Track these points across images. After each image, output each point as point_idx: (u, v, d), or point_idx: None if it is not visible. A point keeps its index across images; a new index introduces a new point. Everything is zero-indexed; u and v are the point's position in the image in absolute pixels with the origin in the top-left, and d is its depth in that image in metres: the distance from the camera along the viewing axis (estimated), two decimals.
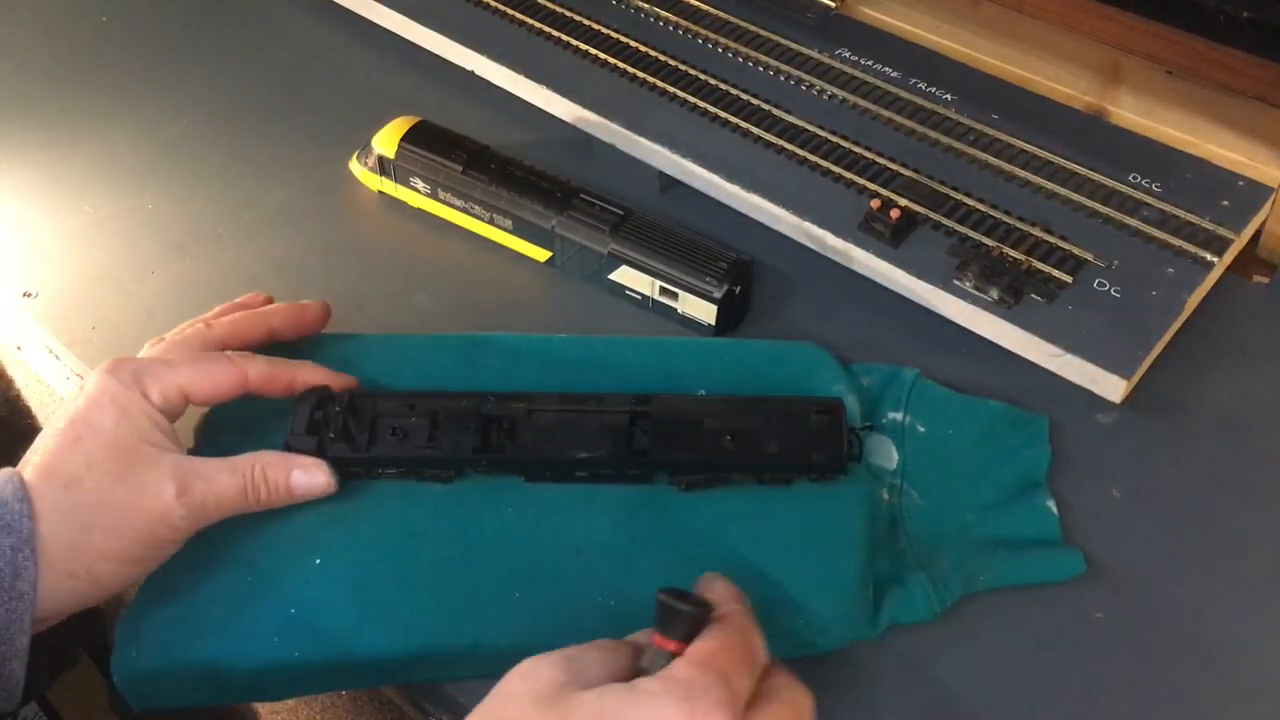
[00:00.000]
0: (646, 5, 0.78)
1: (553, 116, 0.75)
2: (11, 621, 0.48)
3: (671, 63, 0.74)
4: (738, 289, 0.64)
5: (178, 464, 0.52)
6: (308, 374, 0.57)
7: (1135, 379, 0.60)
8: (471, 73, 0.78)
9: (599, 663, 0.44)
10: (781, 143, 0.69)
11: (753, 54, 0.74)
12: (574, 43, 0.76)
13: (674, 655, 0.43)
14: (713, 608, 0.45)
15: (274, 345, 0.60)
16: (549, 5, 0.78)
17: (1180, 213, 0.64)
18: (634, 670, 0.44)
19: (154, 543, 0.52)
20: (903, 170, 0.67)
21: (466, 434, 0.55)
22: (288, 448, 0.55)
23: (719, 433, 0.55)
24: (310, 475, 0.54)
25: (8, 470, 0.51)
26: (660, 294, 0.65)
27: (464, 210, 0.70)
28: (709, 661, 0.43)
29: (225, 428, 0.59)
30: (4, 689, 0.48)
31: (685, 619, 0.44)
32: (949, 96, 0.71)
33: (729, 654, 0.43)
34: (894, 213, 0.63)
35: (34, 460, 0.51)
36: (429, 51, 0.80)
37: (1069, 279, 0.61)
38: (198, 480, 0.52)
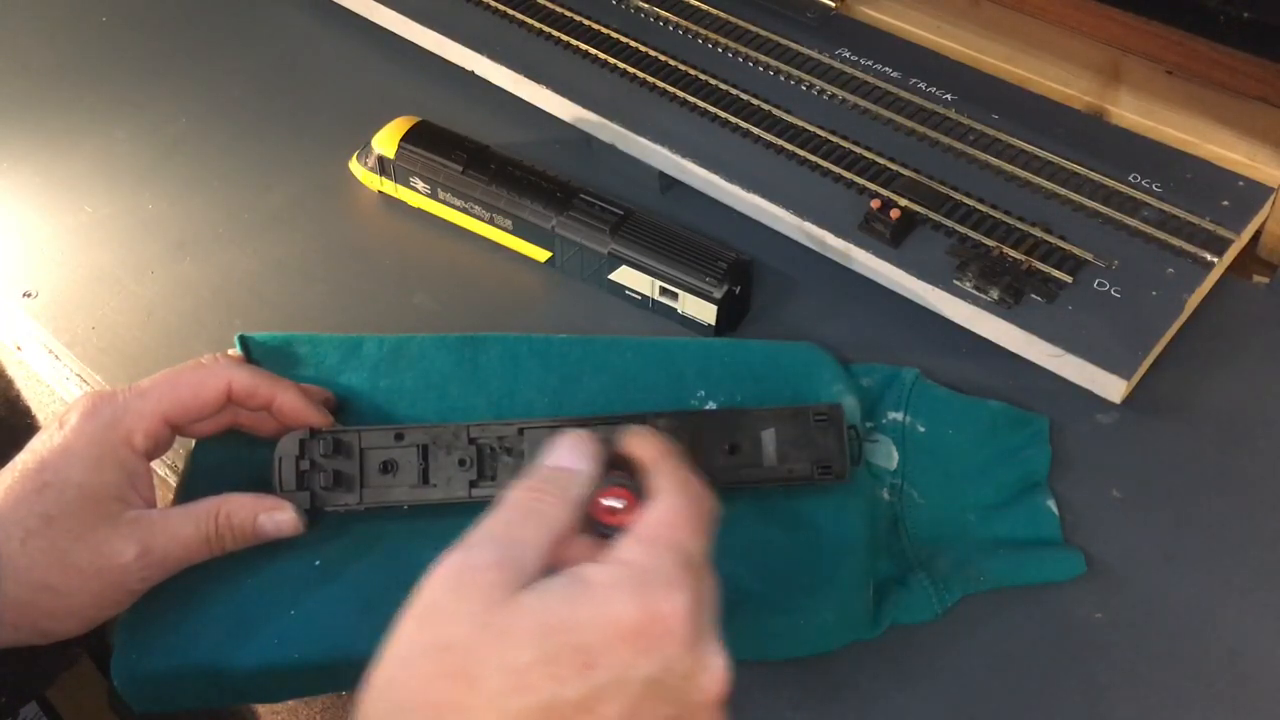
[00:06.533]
0: (646, 5, 0.78)
1: (553, 116, 0.74)
2: None
3: (671, 63, 0.74)
4: (738, 289, 0.64)
5: (139, 522, 0.50)
6: (286, 396, 0.55)
7: (1135, 379, 0.60)
8: (471, 73, 0.78)
9: (535, 540, 0.40)
10: (781, 143, 0.69)
11: (753, 54, 0.74)
12: (574, 43, 0.76)
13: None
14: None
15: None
16: (549, 5, 0.78)
17: (1180, 213, 0.64)
18: (575, 523, 0.41)
19: (107, 604, 0.50)
20: (903, 170, 0.67)
21: (460, 469, 0.54)
22: None
23: (717, 447, 0.55)
24: (276, 519, 0.53)
25: None
26: (660, 294, 0.65)
27: (464, 210, 0.70)
28: (659, 536, 0.39)
29: (215, 450, 0.58)
30: None
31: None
32: (949, 96, 0.71)
33: (679, 520, 0.40)
34: (894, 213, 0.63)
35: None
36: (429, 51, 0.80)
37: (1069, 279, 0.61)
38: (159, 537, 0.50)
